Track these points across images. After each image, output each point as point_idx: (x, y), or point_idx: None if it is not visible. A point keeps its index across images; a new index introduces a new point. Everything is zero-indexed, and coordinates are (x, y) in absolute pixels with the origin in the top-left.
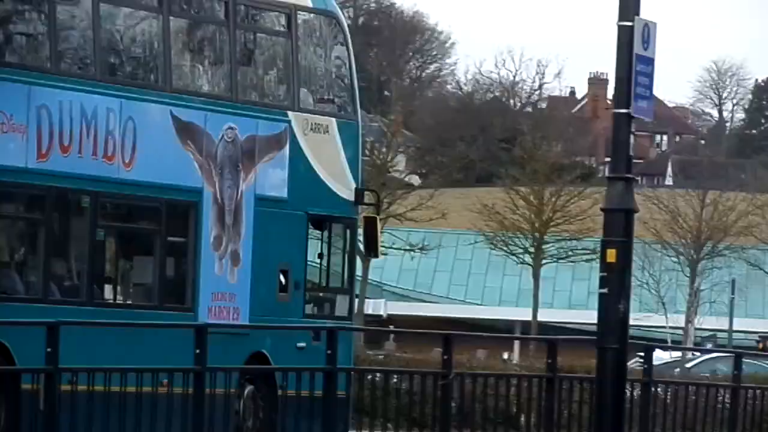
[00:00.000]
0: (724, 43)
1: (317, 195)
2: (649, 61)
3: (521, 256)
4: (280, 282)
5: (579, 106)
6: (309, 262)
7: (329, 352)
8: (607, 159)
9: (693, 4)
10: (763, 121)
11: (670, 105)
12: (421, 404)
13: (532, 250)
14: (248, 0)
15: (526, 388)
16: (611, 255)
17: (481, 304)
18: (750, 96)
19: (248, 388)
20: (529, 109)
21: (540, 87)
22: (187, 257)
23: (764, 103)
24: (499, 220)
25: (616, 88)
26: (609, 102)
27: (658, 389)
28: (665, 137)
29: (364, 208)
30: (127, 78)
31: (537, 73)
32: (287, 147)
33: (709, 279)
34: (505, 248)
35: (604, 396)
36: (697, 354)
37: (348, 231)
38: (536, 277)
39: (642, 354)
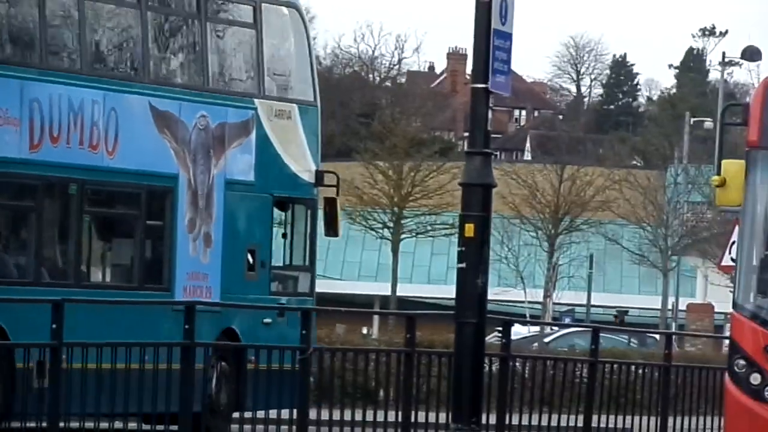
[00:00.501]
0: (582, 18)
1: (281, 178)
2: (507, 36)
3: (380, 230)
4: (248, 261)
5: (438, 81)
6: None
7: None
8: (466, 134)
9: None
10: (620, 96)
11: (529, 80)
12: (280, 380)
13: (390, 224)
14: None
15: (385, 363)
16: (469, 229)
17: (340, 279)
18: (607, 71)
19: (220, 363)
20: (388, 83)
21: (399, 62)
22: (164, 240)
23: (621, 78)
24: (358, 195)
25: (473, 63)
26: (468, 77)
27: (517, 364)
28: (524, 112)
29: (322, 189)
30: (109, 71)
31: (396, 47)
32: (254, 133)
33: (567, 254)
34: (364, 223)
35: (463, 370)
36: (555, 329)
37: (309, 211)
38: (395, 251)
39: (500, 328)
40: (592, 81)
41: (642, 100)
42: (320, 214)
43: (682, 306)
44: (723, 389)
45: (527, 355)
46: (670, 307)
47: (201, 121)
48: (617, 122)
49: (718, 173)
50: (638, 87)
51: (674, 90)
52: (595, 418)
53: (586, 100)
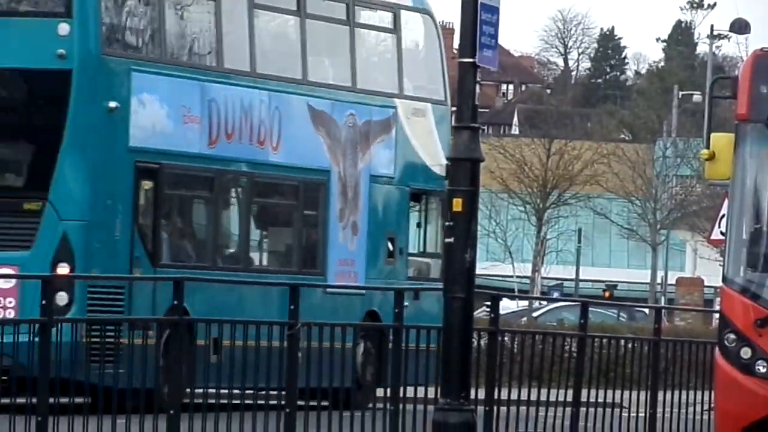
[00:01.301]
0: None
1: (417, 171)
2: (494, 10)
3: None
4: (388, 248)
5: None
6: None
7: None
8: (453, 108)
9: None
10: (608, 70)
11: (516, 54)
12: (269, 356)
13: None
14: (363, 2)
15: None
16: (457, 204)
17: None
18: (595, 45)
19: (366, 342)
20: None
21: None
22: (318, 228)
23: (609, 52)
24: None
25: (460, 38)
26: (455, 51)
27: (505, 338)
28: (511, 86)
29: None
30: (273, 74)
31: None
32: (394, 130)
33: (555, 228)
34: None
35: (451, 345)
36: (544, 303)
37: (440, 202)
38: None
39: (489, 303)
40: (579, 55)
41: (630, 73)
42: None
43: (671, 280)
44: (713, 363)
45: (516, 329)
46: (659, 281)
47: (350, 119)
48: (605, 96)
49: (707, 147)
50: (626, 60)
51: (662, 63)
52: (584, 392)
53: (573, 73)
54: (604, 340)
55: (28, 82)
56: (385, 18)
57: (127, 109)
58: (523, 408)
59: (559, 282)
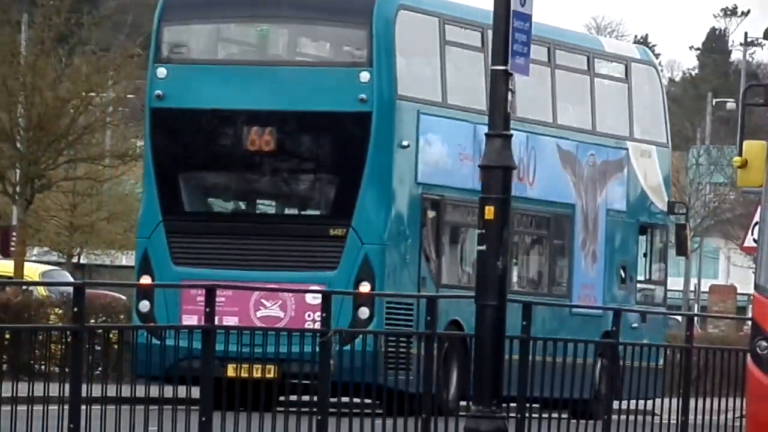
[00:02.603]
0: (603, 0)
1: (644, 207)
2: (527, 18)
3: None
4: (621, 275)
5: None
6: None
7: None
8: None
9: None
10: None
11: None
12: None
13: None
14: (600, 55)
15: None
16: (489, 212)
17: None
18: None
19: (602, 359)
20: None
21: None
22: (565, 256)
23: None
24: None
25: (493, 45)
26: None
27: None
28: None
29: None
30: (530, 117)
31: None
32: (626, 169)
33: None
34: None
35: (483, 353)
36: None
37: (663, 235)
38: None
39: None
40: None
41: (664, 81)
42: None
43: (704, 287)
44: (745, 371)
45: (548, 337)
46: (692, 288)
47: (590, 158)
48: None
49: (740, 154)
50: (661, 68)
51: (696, 71)
52: (615, 402)
53: None
54: (637, 348)
55: (334, 123)
56: (618, 69)
57: (415, 148)
58: (554, 415)
59: None
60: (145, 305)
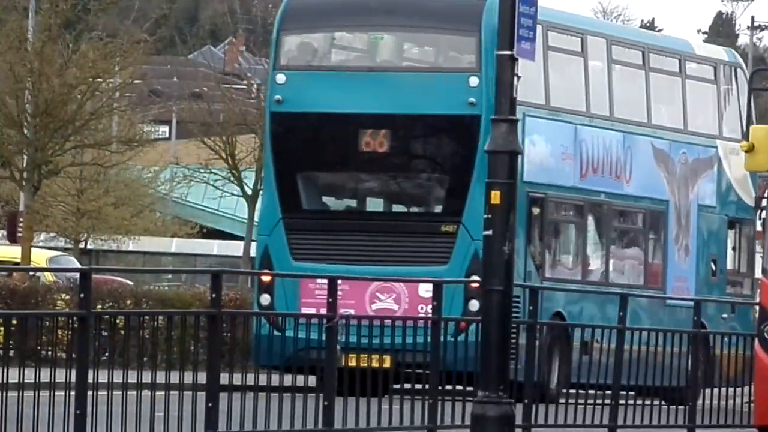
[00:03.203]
0: None
1: (732, 202)
2: (532, 3)
3: None
4: (711, 268)
5: None
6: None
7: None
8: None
9: None
10: None
11: None
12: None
13: None
14: (691, 57)
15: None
16: (495, 197)
17: None
18: None
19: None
20: None
21: None
22: (659, 250)
23: None
24: None
25: (499, 30)
26: None
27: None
28: None
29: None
30: (626, 117)
31: None
32: (716, 166)
33: None
34: None
35: (489, 338)
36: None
37: (750, 229)
38: None
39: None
40: None
41: None
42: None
43: None
44: (753, 355)
45: (554, 322)
46: None
47: (682, 157)
48: None
49: (747, 138)
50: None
51: None
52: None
53: None
54: (644, 333)
55: (445, 125)
56: (707, 71)
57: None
58: (561, 400)
59: None
60: (266, 298)
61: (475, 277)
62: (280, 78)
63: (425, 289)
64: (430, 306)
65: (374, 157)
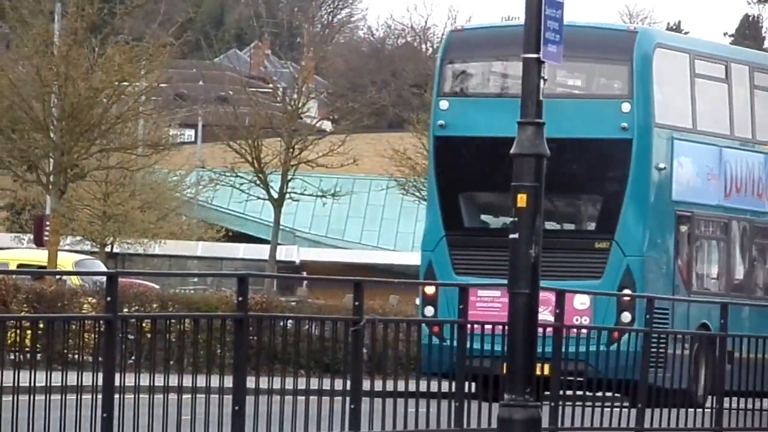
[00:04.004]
0: None
1: None
2: (559, 6)
3: None
4: None
5: None
6: None
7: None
8: None
9: None
10: None
11: None
12: (333, 350)
13: None
14: None
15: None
16: (522, 200)
17: (393, 250)
18: None
19: None
20: None
21: None
22: None
23: None
24: (411, 166)
25: (525, 33)
26: None
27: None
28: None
29: None
30: (766, 141)
31: (448, 18)
32: None
33: None
34: (417, 194)
35: (516, 341)
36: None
37: None
38: None
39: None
40: None
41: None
42: None
43: None
44: None
45: (580, 325)
46: None
47: None
48: None
49: None
50: None
51: None
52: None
53: None
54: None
55: (599, 149)
56: None
57: (670, 170)
58: (588, 403)
59: None
60: (429, 310)
61: (627, 291)
62: (443, 104)
63: (580, 302)
64: (585, 317)
65: None
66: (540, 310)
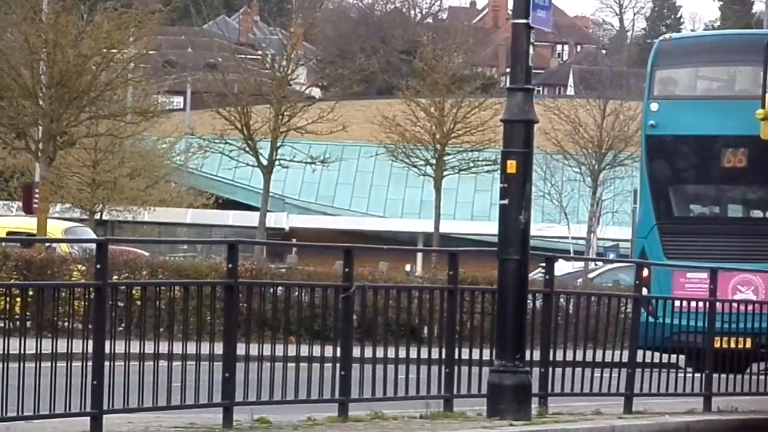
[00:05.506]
0: None
1: None
2: None
3: (423, 167)
4: None
5: (480, 17)
6: None
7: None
8: (508, 69)
9: None
10: (663, 29)
11: (571, 15)
12: (323, 317)
13: (433, 161)
14: None
15: (428, 300)
16: (511, 166)
17: (383, 216)
18: (650, 5)
19: None
20: (429, 20)
21: None
22: None
23: (665, 11)
24: (400, 132)
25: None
26: (510, 12)
27: (561, 300)
28: (566, 47)
29: None
30: None
31: None
32: None
33: (611, 189)
34: (406, 160)
35: (506, 307)
36: (600, 264)
37: None
38: (438, 188)
39: (544, 265)
40: (635, 14)
41: (686, 32)
42: None
43: None
44: None
45: (571, 291)
46: None
47: None
48: None
49: (763, 106)
50: (681, 20)
51: (718, 23)
52: (640, 353)
53: (629, 33)
54: (660, 301)
55: None
56: None
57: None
58: (578, 369)
59: (614, 243)
60: (644, 291)
61: None
62: (654, 106)
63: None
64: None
65: (734, 171)
66: (743, 290)
